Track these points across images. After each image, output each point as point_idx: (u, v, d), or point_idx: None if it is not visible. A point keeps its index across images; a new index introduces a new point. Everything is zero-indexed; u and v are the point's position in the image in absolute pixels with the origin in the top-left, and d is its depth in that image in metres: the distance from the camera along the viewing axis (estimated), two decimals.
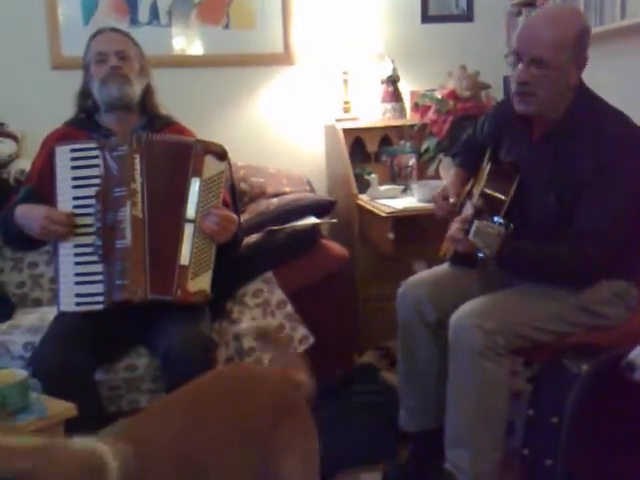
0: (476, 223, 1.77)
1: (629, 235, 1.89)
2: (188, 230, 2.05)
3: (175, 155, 2.10)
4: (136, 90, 2.20)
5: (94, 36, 2.24)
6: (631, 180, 1.83)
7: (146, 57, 2.31)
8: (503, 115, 2.13)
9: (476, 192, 2.03)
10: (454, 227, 1.90)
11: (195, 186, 2.06)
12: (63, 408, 1.66)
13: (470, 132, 2.31)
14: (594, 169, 1.81)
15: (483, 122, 2.24)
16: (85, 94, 2.25)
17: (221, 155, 2.11)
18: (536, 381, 1.92)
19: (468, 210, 1.92)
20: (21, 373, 1.66)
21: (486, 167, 2.06)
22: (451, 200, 2.11)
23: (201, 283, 2.06)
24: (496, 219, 1.81)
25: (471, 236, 1.78)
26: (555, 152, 1.92)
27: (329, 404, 2.35)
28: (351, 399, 2.36)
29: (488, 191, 1.96)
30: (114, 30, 2.28)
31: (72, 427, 1.67)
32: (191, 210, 2.06)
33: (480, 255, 1.81)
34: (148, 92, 2.29)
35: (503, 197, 1.92)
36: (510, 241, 1.80)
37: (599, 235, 1.81)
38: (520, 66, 1.86)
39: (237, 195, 2.38)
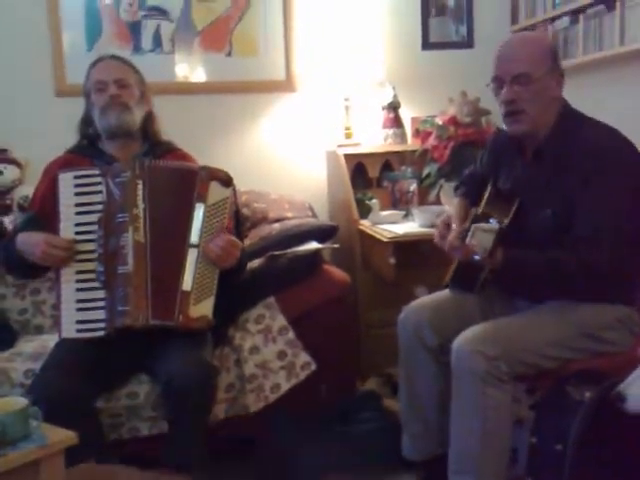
0: (472, 227, 1.81)
1: (629, 255, 1.90)
2: (191, 255, 2.05)
3: (179, 181, 2.11)
4: (136, 117, 2.22)
5: (94, 64, 2.26)
6: (624, 184, 1.85)
7: (147, 84, 2.32)
8: (499, 144, 2.18)
9: None
10: (452, 236, 1.93)
11: (199, 212, 2.06)
12: (63, 436, 1.64)
13: (472, 167, 2.35)
14: (587, 177, 1.84)
15: (482, 155, 2.29)
16: (87, 122, 2.27)
17: (226, 181, 2.12)
18: (539, 408, 1.90)
19: (466, 223, 1.95)
20: (21, 401, 1.64)
21: (486, 194, 2.08)
22: (454, 226, 2.11)
23: (203, 309, 2.05)
24: (492, 220, 1.84)
25: (468, 239, 1.80)
26: (547, 168, 1.95)
27: (331, 432, 2.33)
28: (354, 427, 2.35)
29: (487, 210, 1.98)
30: (114, 58, 2.29)
31: (72, 455, 1.66)
32: (195, 236, 2.06)
33: (476, 257, 1.82)
34: (150, 119, 2.31)
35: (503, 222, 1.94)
36: (510, 249, 1.84)
37: (596, 238, 1.82)
38: (504, 88, 1.93)
39: (241, 221, 2.38)
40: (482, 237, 1.79)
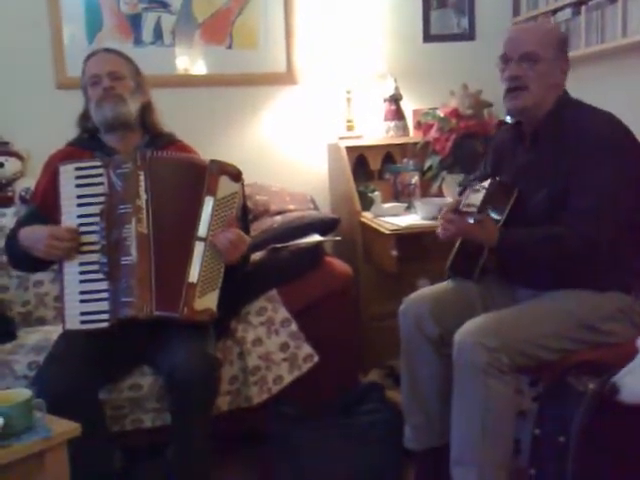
0: (467, 190, 1.82)
1: (628, 242, 1.92)
2: (198, 248, 2.05)
3: (188, 173, 2.10)
4: (131, 108, 2.21)
5: (88, 58, 2.26)
6: (621, 164, 1.88)
7: (147, 76, 2.32)
8: (500, 141, 2.22)
9: None
10: (445, 209, 1.97)
11: (208, 205, 2.06)
12: (67, 428, 1.65)
13: (477, 173, 2.36)
14: (584, 156, 1.88)
15: (485, 160, 2.31)
16: (86, 115, 2.26)
17: (236, 176, 2.12)
18: (541, 400, 1.90)
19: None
20: (25, 393, 1.65)
21: (485, 184, 2.09)
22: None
23: (208, 302, 2.05)
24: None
25: (461, 206, 1.84)
26: (544, 150, 1.99)
27: (334, 424, 2.33)
28: (356, 419, 2.35)
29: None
30: (107, 50, 2.29)
31: (76, 447, 1.66)
32: (203, 229, 2.06)
33: (470, 220, 1.85)
34: (148, 110, 2.30)
35: (499, 217, 1.96)
36: (507, 231, 1.88)
37: (592, 212, 1.85)
38: (510, 65, 1.99)
39: (248, 215, 2.38)
40: (473, 197, 1.80)
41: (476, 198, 1.84)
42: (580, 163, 1.89)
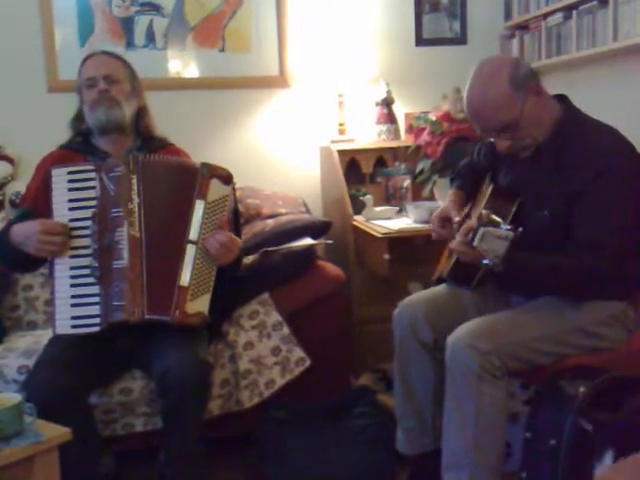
0: (482, 229, 1.74)
1: (625, 254, 1.90)
2: (190, 251, 2.04)
3: (179, 177, 2.10)
4: (125, 112, 2.19)
5: (84, 61, 2.25)
6: (625, 191, 1.84)
7: (139, 78, 2.31)
8: None
9: (474, 214, 2.03)
10: (457, 239, 1.89)
11: (199, 208, 2.06)
12: (58, 433, 1.64)
13: (468, 159, 2.34)
14: (587, 181, 1.84)
15: (479, 148, 2.27)
16: (80, 118, 2.25)
17: (226, 179, 2.11)
18: (533, 403, 1.91)
19: (471, 222, 1.91)
20: (15, 397, 1.64)
21: (487, 190, 2.07)
22: (456, 219, 2.09)
23: (200, 305, 2.05)
24: (503, 226, 1.80)
25: (476, 242, 1.74)
26: (545, 168, 1.95)
27: (326, 428, 2.33)
28: (348, 422, 2.35)
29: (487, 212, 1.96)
30: (104, 53, 2.28)
31: (66, 452, 1.66)
32: (194, 232, 2.05)
33: (485, 262, 1.77)
34: (143, 114, 2.29)
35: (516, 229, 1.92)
36: (515, 248, 1.80)
37: (598, 245, 1.82)
38: (493, 139, 1.94)
39: (239, 219, 2.37)
40: (495, 243, 1.72)
41: (501, 246, 1.75)
42: (583, 187, 1.84)
